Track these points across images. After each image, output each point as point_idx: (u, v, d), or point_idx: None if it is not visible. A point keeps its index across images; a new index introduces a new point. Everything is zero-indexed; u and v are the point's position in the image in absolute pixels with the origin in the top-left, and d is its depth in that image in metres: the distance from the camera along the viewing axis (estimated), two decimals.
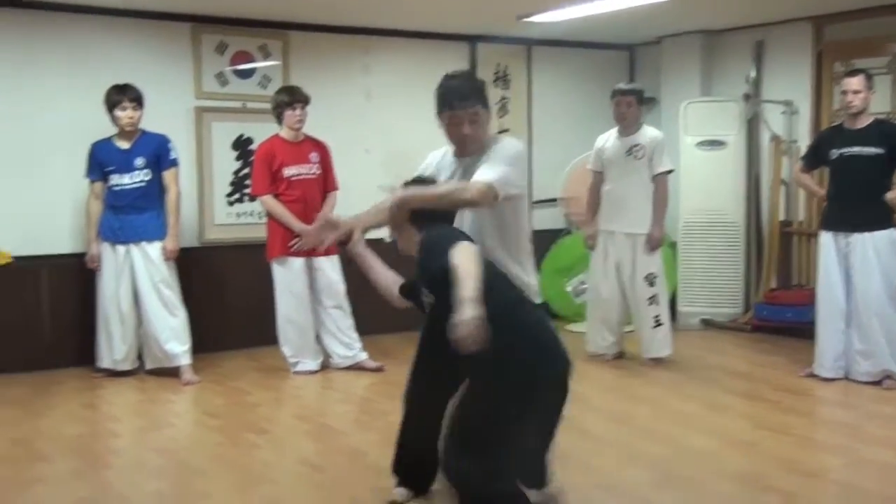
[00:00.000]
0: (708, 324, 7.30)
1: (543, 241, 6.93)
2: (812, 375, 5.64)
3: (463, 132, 3.37)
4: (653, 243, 5.98)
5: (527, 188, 3.49)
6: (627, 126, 6.03)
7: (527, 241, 3.47)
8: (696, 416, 4.99)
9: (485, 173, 3.21)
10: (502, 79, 7.70)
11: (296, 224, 5.75)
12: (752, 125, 7.31)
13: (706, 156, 7.28)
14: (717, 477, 3.99)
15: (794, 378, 5.70)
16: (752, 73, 7.26)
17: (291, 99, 5.83)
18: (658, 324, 6.07)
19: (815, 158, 5.75)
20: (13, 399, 5.39)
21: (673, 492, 3.85)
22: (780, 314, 6.79)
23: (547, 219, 7.49)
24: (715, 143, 7.27)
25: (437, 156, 3.57)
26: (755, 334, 6.98)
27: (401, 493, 3.69)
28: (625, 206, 6.00)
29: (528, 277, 3.41)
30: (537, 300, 3.40)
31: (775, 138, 7.15)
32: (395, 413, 5.01)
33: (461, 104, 3.34)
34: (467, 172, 3.32)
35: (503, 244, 3.36)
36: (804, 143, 6.68)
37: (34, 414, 5.09)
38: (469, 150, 3.39)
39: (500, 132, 7.49)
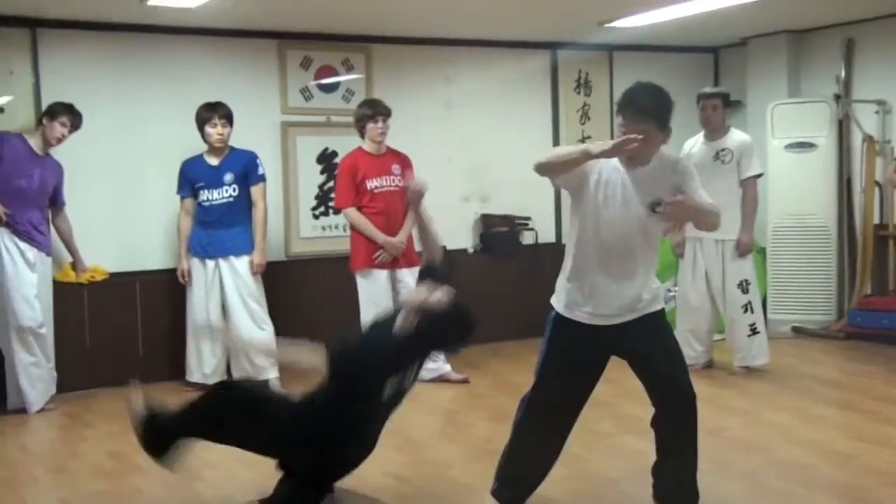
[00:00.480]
0: (799, 331, 7.10)
1: None
2: None
3: None
4: (742, 249, 5.87)
5: None
6: (714, 130, 5.94)
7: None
8: (789, 426, 4.86)
9: (708, 198, 3.40)
10: (584, 85, 7.65)
11: (379, 236, 5.80)
12: (843, 126, 7.11)
13: (795, 158, 7.10)
14: (812, 490, 3.89)
15: (893, 387, 5.51)
16: (842, 73, 7.07)
17: (373, 112, 5.88)
18: (754, 332, 5.95)
19: None
20: (110, 413, 5.53)
21: None
22: (875, 321, 6.59)
23: None
24: (804, 146, 7.08)
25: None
26: (849, 342, 6.77)
27: None
28: None
29: (646, 290, 3.47)
30: (661, 305, 3.51)
31: (868, 139, 6.95)
32: (479, 425, 5.05)
33: (632, 116, 3.33)
34: (639, 183, 3.33)
35: (643, 255, 3.43)
36: None
37: (129, 427, 5.21)
38: (632, 162, 3.37)
39: (583, 140, 7.45)
